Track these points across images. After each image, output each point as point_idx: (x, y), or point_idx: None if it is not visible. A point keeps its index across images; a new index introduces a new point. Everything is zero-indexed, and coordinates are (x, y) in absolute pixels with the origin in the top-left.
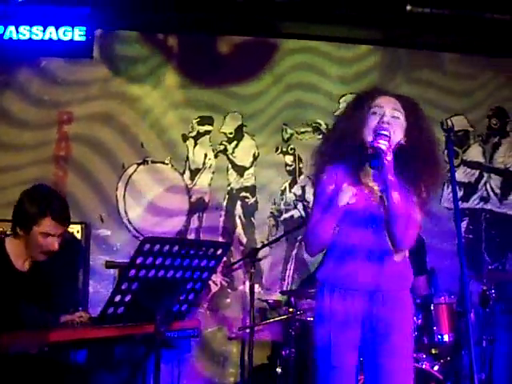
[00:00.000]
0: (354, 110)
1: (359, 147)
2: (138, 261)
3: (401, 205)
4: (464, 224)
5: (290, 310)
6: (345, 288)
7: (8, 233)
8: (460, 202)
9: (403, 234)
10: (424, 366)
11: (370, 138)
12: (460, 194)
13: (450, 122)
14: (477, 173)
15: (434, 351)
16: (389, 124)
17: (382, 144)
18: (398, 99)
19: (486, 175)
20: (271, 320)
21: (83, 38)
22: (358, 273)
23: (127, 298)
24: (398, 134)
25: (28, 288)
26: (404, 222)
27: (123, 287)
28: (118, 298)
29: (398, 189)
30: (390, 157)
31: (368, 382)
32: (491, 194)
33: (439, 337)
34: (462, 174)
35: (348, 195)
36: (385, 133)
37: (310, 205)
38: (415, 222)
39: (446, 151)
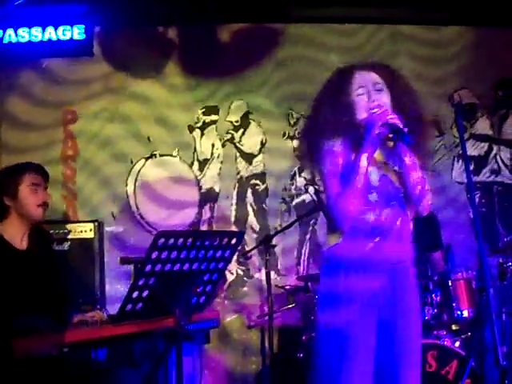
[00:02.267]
0: (336, 91)
1: (353, 127)
2: (153, 256)
3: (416, 176)
4: (476, 198)
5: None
6: (363, 267)
7: None
8: (472, 176)
9: (422, 199)
10: (445, 343)
11: (362, 117)
12: (471, 167)
13: (457, 97)
14: (486, 146)
15: (454, 327)
16: (378, 100)
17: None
18: (373, 70)
19: (495, 147)
20: (289, 306)
21: (83, 36)
22: (376, 251)
23: (145, 294)
24: (387, 106)
25: (30, 266)
26: (421, 190)
27: (140, 283)
28: (135, 294)
29: (411, 161)
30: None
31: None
32: (502, 166)
33: (459, 313)
34: (471, 148)
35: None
36: (393, 121)
37: (321, 188)
38: (427, 188)
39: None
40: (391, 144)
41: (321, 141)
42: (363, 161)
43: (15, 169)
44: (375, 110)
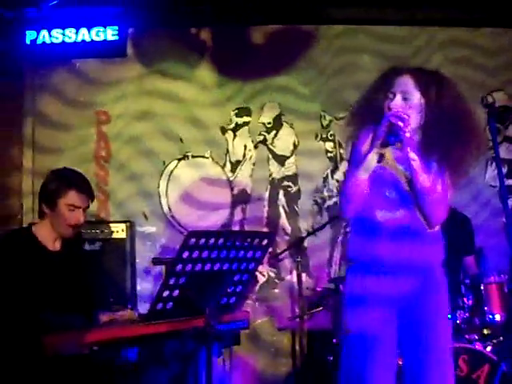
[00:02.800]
0: (374, 93)
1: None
2: (184, 255)
3: (427, 183)
4: (510, 202)
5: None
6: (383, 268)
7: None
8: (505, 179)
9: (431, 211)
10: (477, 347)
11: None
12: (504, 170)
13: (490, 98)
14: None
15: (486, 332)
16: (402, 108)
17: (396, 119)
18: (413, 77)
19: None
20: (320, 308)
21: (116, 38)
22: (393, 252)
23: (175, 293)
24: (413, 116)
25: (61, 267)
26: (431, 200)
27: (171, 282)
28: (166, 294)
29: (423, 167)
30: (408, 134)
31: (408, 361)
32: None
33: (490, 317)
34: (505, 151)
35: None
36: (398, 123)
37: None
38: (443, 199)
39: (488, 128)
40: (399, 145)
41: (358, 129)
42: (372, 155)
43: (62, 180)
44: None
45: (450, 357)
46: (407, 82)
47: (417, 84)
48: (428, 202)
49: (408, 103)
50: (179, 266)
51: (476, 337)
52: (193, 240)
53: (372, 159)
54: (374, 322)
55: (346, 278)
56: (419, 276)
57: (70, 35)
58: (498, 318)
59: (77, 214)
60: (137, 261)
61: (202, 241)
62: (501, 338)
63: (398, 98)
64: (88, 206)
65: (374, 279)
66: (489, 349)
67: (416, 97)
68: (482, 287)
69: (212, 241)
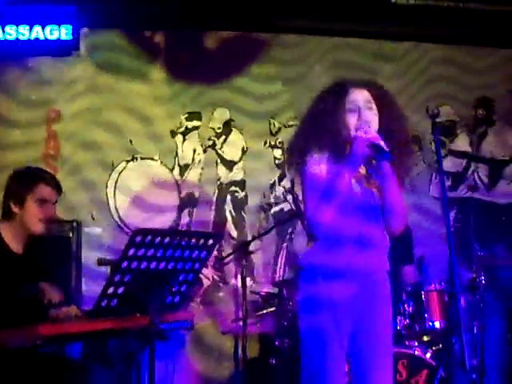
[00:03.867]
0: (329, 104)
1: (341, 142)
2: (130, 252)
3: (396, 194)
4: (453, 213)
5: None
6: (339, 275)
7: None
8: (448, 192)
9: (398, 219)
10: (416, 353)
11: (350, 134)
12: (448, 183)
13: (435, 109)
14: (464, 162)
15: (425, 338)
16: (366, 119)
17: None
18: (367, 89)
19: (473, 164)
20: (264, 311)
21: (70, 37)
22: (353, 260)
23: (120, 290)
24: (374, 125)
25: (24, 270)
26: (398, 210)
27: (116, 279)
28: (111, 290)
29: (392, 180)
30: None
31: (355, 367)
32: (479, 183)
33: (430, 323)
34: (449, 164)
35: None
36: (381, 143)
37: (300, 197)
38: (404, 207)
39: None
40: (374, 162)
41: (306, 152)
42: (346, 177)
43: (28, 176)
44: (360, 130)
45: (391, 361)
46: (367, 93)
47: (371, 95)
48: (395, 212)
49: (371, 113)
50: (125, 263)
51: (416, 343)
52: (139, 238)
53: (345, 182)
54: (327, 327)
55: (299, 284)
56: (369, 282)
57: (24, 32)
58: (437, 325)
59: (47, 209)
60: (82, 261)
61: (148, 238)
62: (440, 345)
63: (363, 107)
64: (57, 201)
65: (327, 285)
66: (428, 356)
67: (374, 106)
68: (422, 294)
69: (158, 239)
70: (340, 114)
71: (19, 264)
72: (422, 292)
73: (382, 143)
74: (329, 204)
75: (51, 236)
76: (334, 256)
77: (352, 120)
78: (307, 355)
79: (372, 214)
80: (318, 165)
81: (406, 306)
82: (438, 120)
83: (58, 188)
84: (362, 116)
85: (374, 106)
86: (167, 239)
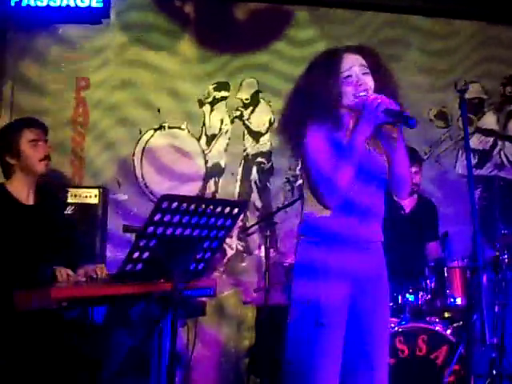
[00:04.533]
0: (323, 73)
1: (339, 110)
2: (156, 218)
3: (406, 161)
4: (478, 191)
5: None
6: (342, 242)
7: None
8: (474, 169)
9: (407, 186)
10: (437, 329)
11: (349, 102)
12: (474, 161)
13: (463, 84)
14: (491, 140)
15: (446, 315)
16: (364, 84)
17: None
18: (360, 53)
19: (500, 143)
20: (287, 282)
21: (100, 5)
22: (356, 227)
23: (145, 255)
24: (371, 88)
25: (35, 222)
26: (407, 176)
27: (141, 244)
28: (136, 255)
29: (403, 145)
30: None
31: (350, 338)
32: (505, 161)
33: (452, 300)
34: (476, 142)
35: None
36: (394, 108)
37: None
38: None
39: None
40: (388, 127)
41: (303, 123)
42: (360, 142)
43: (13, 126)
44: (371, 95)
45: (388, 334)
46: (360, 58)
47: (364, 59)
48: (406, 177)
49: (367, 77)
50: (150, 229)
51: (436, 319)
52: (165, 203)
53: (359, 148)
54: (326, 294)
55: (298, 250)
56: (368, 252)
57: None
58: (459, 301)
59: (41, 147)
60: (108, 227)
61: (175, 205)
62: (461, 322)
63: (360, 72)
64: (47, 140)
65: (328, 252)
66: (448, 332)
67: (369, 70)
68: (445, 270)
69: (184, 206)
70: (336, 81)
71: (31, 214)
72: (445, 268)
73: (398, 108)
74: (347, 168)
75: (77, 203)
76: (337, 223)
77: (349, 86)
78: (300, 326)
79: (374, 182)
80: (319, 135)
81: (428, 281)
82: (465, 97)
83: (42, 127)
84: (360, 81)
85: (368, 69)
86: (193, 206)
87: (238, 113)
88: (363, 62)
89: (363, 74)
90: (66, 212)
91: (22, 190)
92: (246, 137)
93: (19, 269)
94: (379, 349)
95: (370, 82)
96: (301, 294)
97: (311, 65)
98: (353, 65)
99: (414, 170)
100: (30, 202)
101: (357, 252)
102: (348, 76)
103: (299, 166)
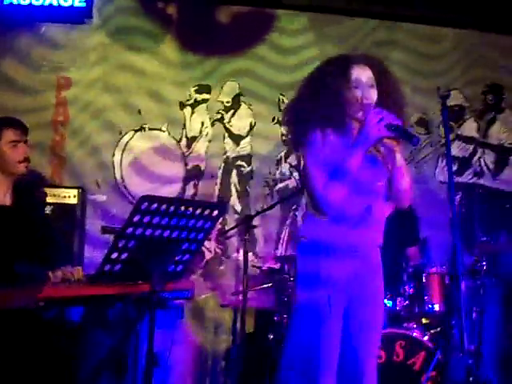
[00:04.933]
0: (330, 79)
1: (344, 118)
2: (136, 219)
3: (406, 172)
4: (457, 198)
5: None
6: (340, 250)
7: None
8: (454, 176)
9: (408, 195)
10: (414, 334)
11: (352, 112)
12: (454, 168)
13: (444, 90)
14: (471, 148)
15: (424, 321)
16: (369, 97)
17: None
18: (368, 64)
19: (480, 150)
20: (264, 286)
21: (83, 4)
22: (353, 232)
23: (124, 256)
24: (375, 100)
25: (13, 221)
26: (408, 186)
27: (120, 245)
28: (114, 255)
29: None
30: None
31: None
32: (485, 169)
33: (430, 306)
34: (456, 149)
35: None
36: (396, 123)
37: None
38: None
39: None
40: (388, 140)
41: (308, 127)
42: (358, 155)
43: None
44: (373, 110)
45: (379, 338)
46: (368, 69)
47: (372, 71)
48: (406, 188)
49: (373, 89)
50: (130, 229)
51: (414, 325)
52: (145, 204)
53: (357, 160)
54: (324, 301)
55: (299, 255)
56: (366, 258)
57: None
58: (437, 307)
59: (20, 149)
60: (86, 228)
61: (154, 206)
62: (438, 328)
63: (366, 84)
64: (26, 140)
65: (328, 259)
66: (426, 338)
67: (375, 83)
68: (423, 276)
69: (164, 207)
70: (343, 89)
71: (7, 215)
72: (424, 274)
73: (402, 124)
74: (341, 182)
75: (56, 203)
76: (334, 230)
77: (355, 97)
78: (301, 332)
79: (373, 187)
80: (322, 141)
81: (406, 287)
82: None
83: (22, 127)
84: (366, 94)
85: (374, 82)
86: (173, 207)
87: (219, 116)
88: (371, 75)
89: (369, 86)
90: (44, 212)
91: None
92: (226, 140)
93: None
94: (371, 353)
95: (374, 95)
96: (302, 298)
97: (319, 69)
98: (361, 76)
99: None
100: (7, 202)
101: (354, 257)
102: (355, 87)
103: (279, 170)
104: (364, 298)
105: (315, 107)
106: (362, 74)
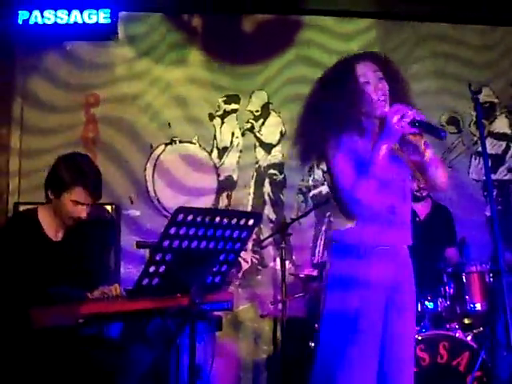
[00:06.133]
0: (337, 84)
1: (359, 118)
2: (172, 231)
3: (437, 161)
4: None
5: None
6: (373, 253)
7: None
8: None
9: (444, 173)
10: (457, 335)
11: (370, 108)
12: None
13: (476, 86)
14: (504, 144)
15: (466, 321)
16: (382, 89)
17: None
18: (371, 60)
19: None
20: (302, 294)
21: (108, 21)
22: (382, 234)
23: (161, 269)
24: (387, 92)
25: (60, 258)
26: (443, 174)
27: (157, 258)
28: (152, 269)
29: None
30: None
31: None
32: None
33: (471, 305)
34: (489, 146)
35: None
36: (419, 118)
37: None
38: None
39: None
40: (411, 136)
41: (326, 129)
42: (382, 152)
43: (71, 174)
44: (394, 106)
45: (414, 343)
46: (373, 64)
47: (377, 66)
48: (440, 174)
49: (383, 82)
50: (166, 242)
51: (456, 326)
52: (181, 216)
53: (382, 158)
54: (360, 307)
55: (331, 259)
56: (401, 261)
57: (62, 17)
58: (478, 307)
59: (80, 209)
60: (121, 244)
61: (190, 217)
62: (481, 328)
63: (376, 78)
64: (93, 203)
65: (361, 262)
66: (469, 338)
67: (382, 75)
68: (463, 276)
69: (199, 218)
70: (353, 90)
71: (56, 250)
72: (463, 273)
73: (426, 120)
74: (367, 181)
75: (92, 220)
76: (367, 231)
77: (368, 93)
78: (330, 340)
79: (398, 187)
80: (342, 143)
81: (446, 287)
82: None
83: (95, 194)
84: (378, 86)
85: (382, 74)
86: (208, 218)
87: (249, 125)
88: (376, 68)
89: (379, 79)
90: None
91: (52, 223)
92: (257, 149)
93: (34, 289)
94: (408, 356)
95: (385, 87)
96: (335, 304)
97: (325, 76)
98: (367, 71)
99: None
100: (59, 237)
101: (385, 259)
102: (365, 82)
103: (311, 176)
104: (401, 302)
105: (329, 112)
106: (368, 69)
